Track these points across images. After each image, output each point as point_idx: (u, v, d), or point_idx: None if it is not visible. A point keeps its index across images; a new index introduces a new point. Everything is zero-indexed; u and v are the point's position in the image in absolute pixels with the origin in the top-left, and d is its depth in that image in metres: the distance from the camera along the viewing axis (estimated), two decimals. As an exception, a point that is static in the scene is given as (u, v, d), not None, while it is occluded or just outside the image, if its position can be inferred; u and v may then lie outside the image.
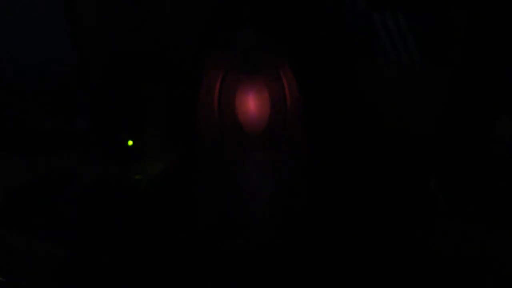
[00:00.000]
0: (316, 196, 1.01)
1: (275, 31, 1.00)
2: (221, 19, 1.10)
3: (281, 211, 0.96)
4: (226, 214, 0.96)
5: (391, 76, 1.05)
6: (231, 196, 0.95)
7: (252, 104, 0.90)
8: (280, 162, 0.93)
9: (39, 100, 1.19)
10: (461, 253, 0.91)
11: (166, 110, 1.17)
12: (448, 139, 1.02)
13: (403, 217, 0.99)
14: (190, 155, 1.02)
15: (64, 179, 1.08)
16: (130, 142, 1.12)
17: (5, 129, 1.20)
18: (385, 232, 0.96)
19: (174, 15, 1.17)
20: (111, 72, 1.20)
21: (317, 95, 1.06)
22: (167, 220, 1.00)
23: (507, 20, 0.94)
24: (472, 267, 0.89)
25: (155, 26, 1.18)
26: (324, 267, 0.90)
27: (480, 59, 0.97)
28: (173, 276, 0.89)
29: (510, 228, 0.92)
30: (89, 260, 0.91)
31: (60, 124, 1.20)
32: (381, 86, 1.07)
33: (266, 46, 0.93)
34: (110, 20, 1.20)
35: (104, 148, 1.15)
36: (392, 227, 0.97)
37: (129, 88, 1.17)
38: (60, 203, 1.02)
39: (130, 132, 1.13)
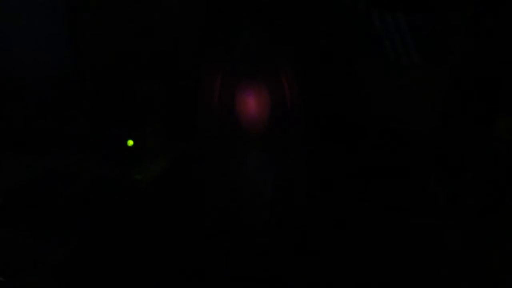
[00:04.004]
0: (316, 195, 1.01)
1: (275, 31, 1.00)
2: (221, 19, 1.10)
3: (281, 210, 0.96)
4: (226, 214, 0.96)
5: (391, 76, 1.05)
6: (231, 196, 0.95)
7: (252, 104, 0.90)
8: (280, 162, 0.93)
9: (39, 100, 1.19)
10: (460, 252, 0.91)
11: (166, 110, 1.17)
12: (448, 138, 1.02)
13: (403, 216, 0.99)
14: (190, 155, 1.02)
15: (64, 179, 1.08)
16: (130, 142, 1.12)
17: (5, 129, 1.20)
18: (384, 231, 0.96)
19: (175, 15, 1.17)
20: (111, 72, 1.20)
21: (317, 94, 1.06)
22: (167, 220, 1.00)
23: (507, 20, 0.94)
24: (472, 266, 0.89)
25: (156, 26, 1.18)
26: (324, 266, 0.90)
27: (480, 59, 0.97)
28: (174, 275, 0.89)
29: (510, 227, 0.92)
30: (89, 260, 0.91)
31: (59, 124, 1.20)
32: (381, 86, 1.07)
33: (266, 46, 0.93)
34: (110, 20, 1.20)
35: (104, 148, 1.15)
36: (391, 226, 0.97)
37: (129, 88, 1.17)
38: (60, 203, 1.02)
39: (130, 132, 1.13)
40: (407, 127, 1.06)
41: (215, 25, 1.11)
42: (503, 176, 0.97)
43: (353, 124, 1.10)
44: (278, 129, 0.92)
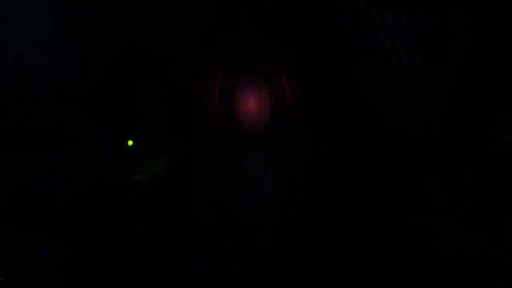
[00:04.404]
0: (316, 195, 1.01)
1: (275, 31, 1.00)
2: (222, 19, 1.10)
3: (281, 210, 0.96)
4: (226, 213, 0.96)
5: (391, 76, 1.05)
6: (231, 196, 0.95)
7: (252, 104, 0.90)
8: (280, 162, 0.93)
9: (39, 100, 1.19)
10: (460, 253, 0.91)
11: (166, 110, 1.17)
12: (448, 138, 1.02)
13: (403, 217, 0.99)
14: (190, 155, 1.02)
15: (64, 179, 1.08)
16: (130, 142, 1.12)
17: (5, 129, 1.20)
18: (384, 232, 0.96)
19: (175, 15, 1.17)
20: (111, 72, 1.20)
21: (317, 95, 1.06)
22: (167, 220, 1.00)
23: (507, 20, 0.94)
24: (472, 267, 0.89)
25: (156, 26, 1.18)
26: (324, 266, 0.90)
27: (480, 59, 0.97)
28: (174, 275, 0.89)
29: (510, 227, 0.92)
30: (89, 260, 0.91)
31: (60, 124, 1.20)
32: (381, 86, 1.07)
33: (266, 46, 0.93)
34: (110, 20, 1.20)
35: (104, 148, 1.15)
36: (391, 227, 0.97)
37: (129, 88, 1.17)
38: (60, 203, 1.02)
39: (130, 132, 1.13)
40: (407, 127, 1.06)
41: (215, 25, 1.11)
42: (503, 176, 0.97)
43: (353, 124, 1.10)
44: (278, 129, 0.91)
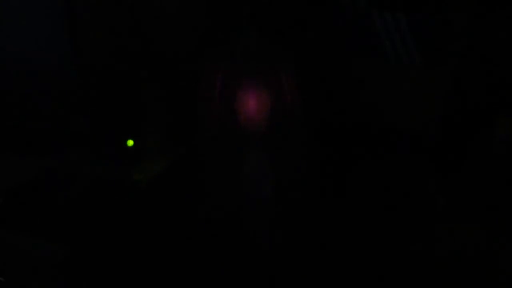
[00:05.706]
0: (316, 195, 1.01)
1: (275, 31, 1.00)
2: (222, 19, 1.10)
3: (281, 210, 0.96)
4: (226, 213, 0.96)
5: (391, 76, 1.05)
6: (232, 196, 0.95)
7: (252, 104, 0.90)
8: (280, 162, 0.93)
9: (39, 100, 1.19)
10: (461, 254, 0.91)
11: (166, 110, 1.18)
12: (448, 139, 1.02)
13: (403, 218, 0.99)
14: (190, 155, 1.02)
15: (64, 179, 1.08)
16: (130, 142, 1.12)
17: (5, 129, 1.20)
18: (384, 233, 0.96)
19: (175, 15, 1.17)
20: (111, 72, 1.20)
21: (317, 95, 1.06)
22: (167, 220, 1.00)
23: (507, 20, 0.94)
24: (472, 269, 0.89)
25: (156, 26, 1.18)
26: (324, 266, 0.90)
27: (480, 59, 0.97)
28: (174, 275, 0.89)
29: (510, 227, 0.92)
30: (89, 260, 0.91)
31: (60, 124, 1.20)
32: (381, 86, 1.07)
33: (266, 46, 0.93)
34: (110, 20, 1.20)
35: (104, 148, 1.15)
36: (391, 228, 0.97)
37: (129, 88, 1.17)
38: (60, 203, 1.02)
39: (130, 132, 1.13)
40: (407, 127, 1.06)
41: (215, 25, 1.11)
42: (503, 176, 0.97)
43: (353, 124, 1.10)
44: (278, 129, 0.92)
